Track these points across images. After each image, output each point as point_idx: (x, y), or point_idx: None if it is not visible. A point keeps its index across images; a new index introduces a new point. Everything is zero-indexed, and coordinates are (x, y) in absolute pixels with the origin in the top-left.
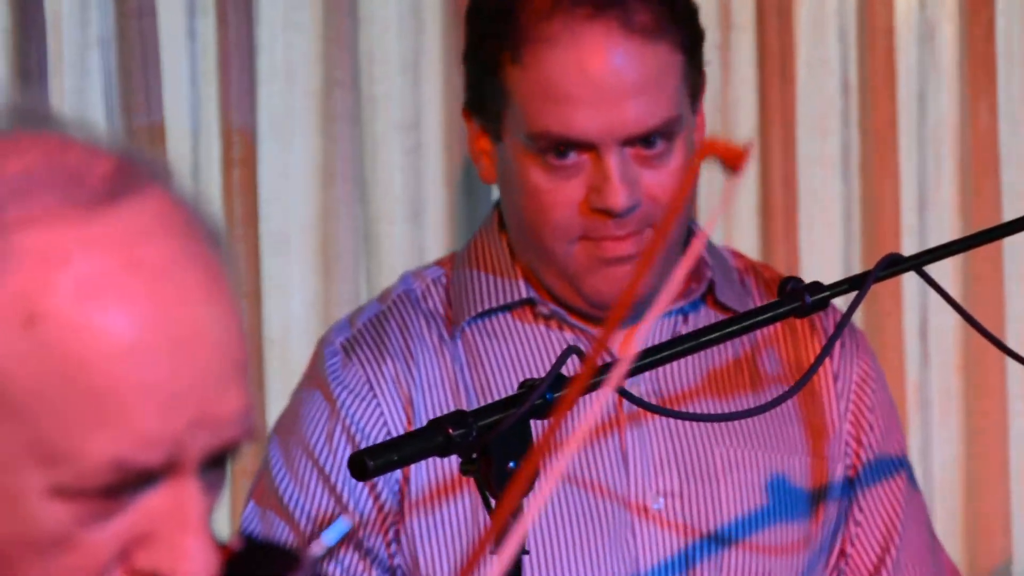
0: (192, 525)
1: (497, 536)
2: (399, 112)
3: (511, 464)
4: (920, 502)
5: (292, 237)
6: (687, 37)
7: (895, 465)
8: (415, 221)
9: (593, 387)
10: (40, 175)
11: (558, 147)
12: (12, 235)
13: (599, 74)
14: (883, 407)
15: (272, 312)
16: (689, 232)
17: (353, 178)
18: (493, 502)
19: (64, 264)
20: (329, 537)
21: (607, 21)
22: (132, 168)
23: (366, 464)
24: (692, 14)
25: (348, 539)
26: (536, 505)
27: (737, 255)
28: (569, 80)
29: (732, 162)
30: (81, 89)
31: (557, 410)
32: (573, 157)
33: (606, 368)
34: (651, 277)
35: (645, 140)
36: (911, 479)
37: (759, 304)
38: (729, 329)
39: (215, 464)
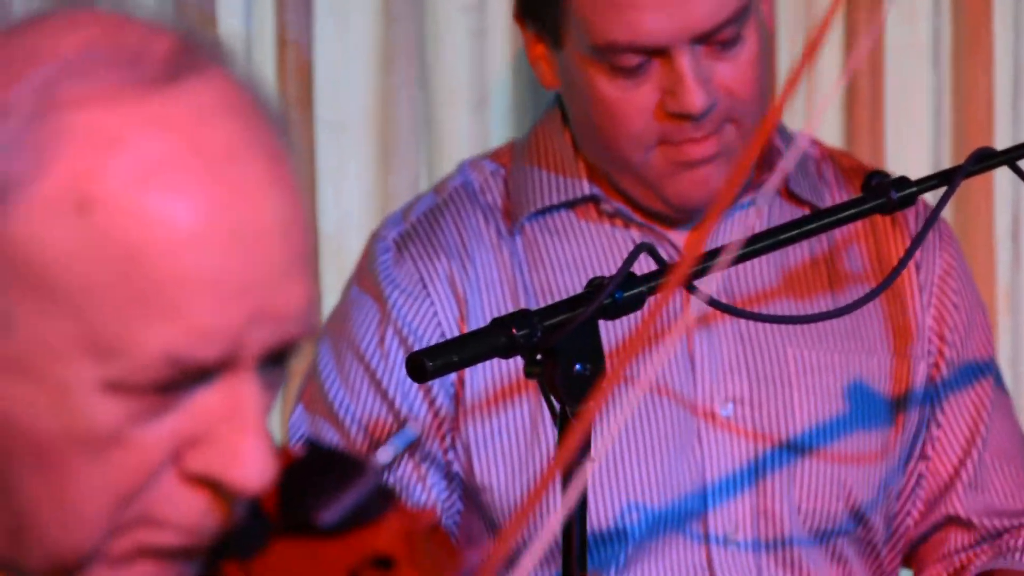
0: (249, 425)
1: (570, 447)
2: None
3: (578, 367)
4: (1008, 405)
5: (349, 123)
6: None
7: (981, 365)
8: (479, 108)
9: (666, 286)
10: (96, 53)
11: (627, 55)
12: (65, 115)
13: None
14: (968, 304)
15: (327, 203)
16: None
17: (414, 61)
18: (557, 406)
19: (120, 146)
20: (395, 445)
21: None
22: (193, 48)
23: (425, 365)
24: None
25: (412, 448)
26: (613, 417)
27: (814, 142)
28: None
29: None
30: None
31: (646, 316)
32: (643, 62)
33: (677, 268)
34: (742, 178)
35: (719, 30)
36: (999, 381)
37: (835, 195)
38: (808, 227)
39: (275, 362)
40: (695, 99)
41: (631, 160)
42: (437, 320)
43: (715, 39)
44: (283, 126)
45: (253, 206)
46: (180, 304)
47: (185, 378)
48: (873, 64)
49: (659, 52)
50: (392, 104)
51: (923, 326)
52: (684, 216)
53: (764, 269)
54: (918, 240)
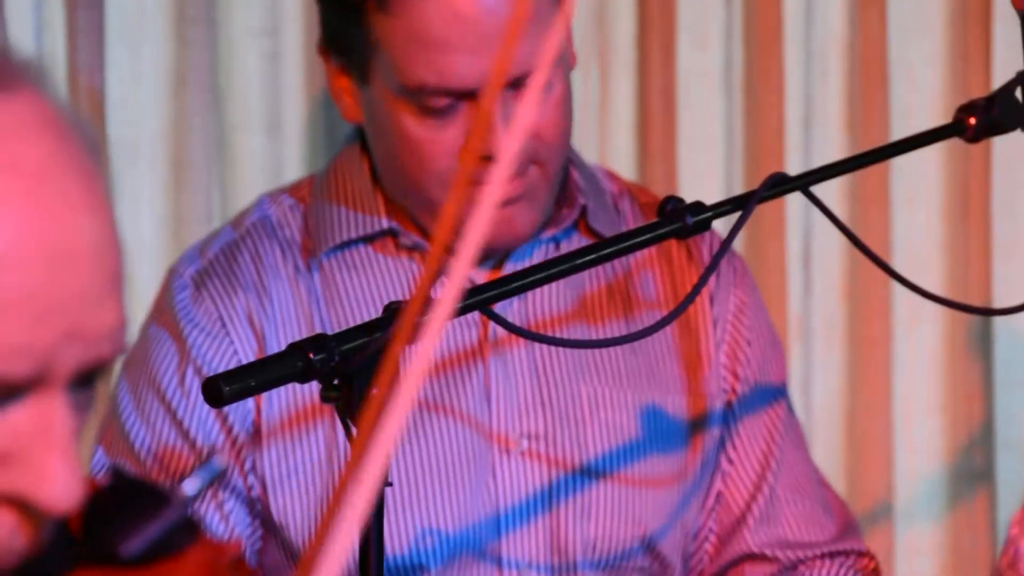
0: (58, 444)
1: (357, 466)
2: (256, 15)
3: (375, 390)
4: (799, 435)
5: (142, 147)
6: None
7: (772, 397)
8: (272, 132)
9: (462, 310)
10: None
11: (436, 96)
12: None
13: (474, 17)
14: (761, 337)
15: (120, 228)
16: (568, 161)
17: (207, 85)
18: (355, 431)
19: None
20: (201, 477)
21: None
22: (6, 66)
23: (221, 389)
24: None
25: (218, 480)
26: (395, 433)
27: (612, 176)
28: (443, 27)
29: None
30: None
31: (423, 334)
32: (451, 103)
33: (474, 291)
34: (537, 216)
35: (526, 78)
36: (789, 410)
37: (631, 223)
38: (604, 252)
39: (85, 383)
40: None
41: (434, 198)
42: (237, 359)
43: (524, 84)
44: (95, 147)
45: (67, 225)
46: None
47: None
48: (665, 89)
49: (468, 95)
50: (185, 128)
51: (716, 362)
52: (486, 254)
53: (560, 296)
54: (709, 270)
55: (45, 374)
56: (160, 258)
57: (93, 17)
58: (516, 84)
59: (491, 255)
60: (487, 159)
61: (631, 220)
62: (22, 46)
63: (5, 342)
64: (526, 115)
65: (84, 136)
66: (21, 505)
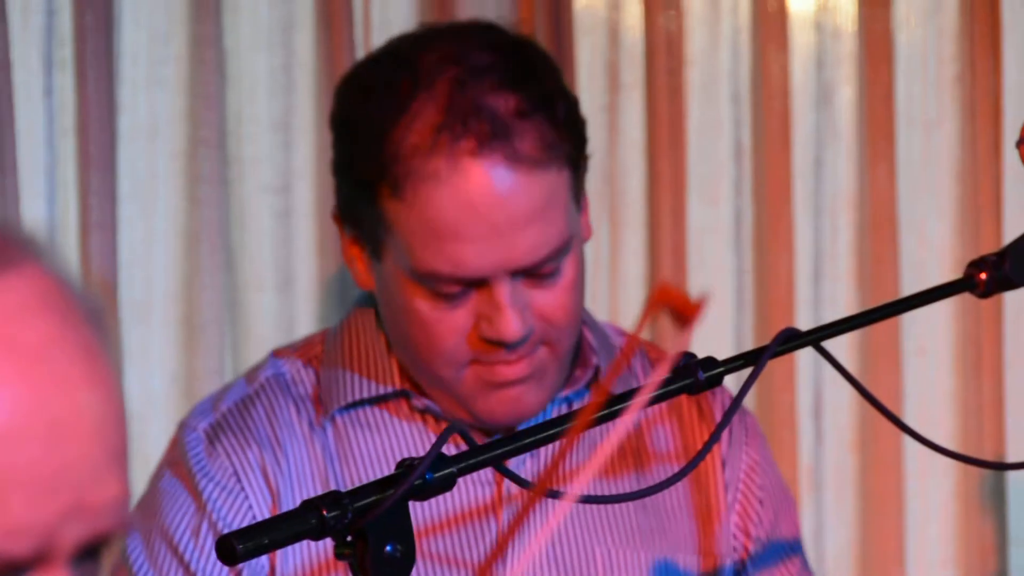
0: None
1: None
2: (268, 174)
3: (388, 548)
4: None
5: (154, 306)
6: (573, 147)
7: (785, 553)
8: (284, 290)
9: (476, 466)
10: None
11: (447, 283)
12: None
13: (487, 210)
14: (774, 494)
15: (132, 385)
16: (581, 323)
17: (219, 244)
18: None
19: None
20: None
21: (492, 155)
22: (8, 243)
23: (235, 548)
24: (577, 122)
25: None
26: None
27: (622, 333)
28: (457, 218)
29: (685, 314)
30: None
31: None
32: (462, 290)
33: (488, 448)
34: (545, 396)
35: (537, 268)
36: (804, 566)
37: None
38: (616, 407)
39: (88, 556)
40: (511, 328)
41: (443, 375)
42: (252, 514)
43: (534, 272)
44: (99, 319)
45: (68, 403)
46: None
47: None
48: (675, 246)
49: (480, 283)
50: (197, 287)
51: (728, 523)
52: (492, 431)
53: (573, 454)
54: (721, 427)
55: (48, 551)
56: (171, 416)
57: (106, 179)
58: (525, 273)
59: (496, 432)
60: (497, 343)
61: (641, 376)
62: (35, 205)
63: (7, 520)
64: None
65: (87, 309)
66: None
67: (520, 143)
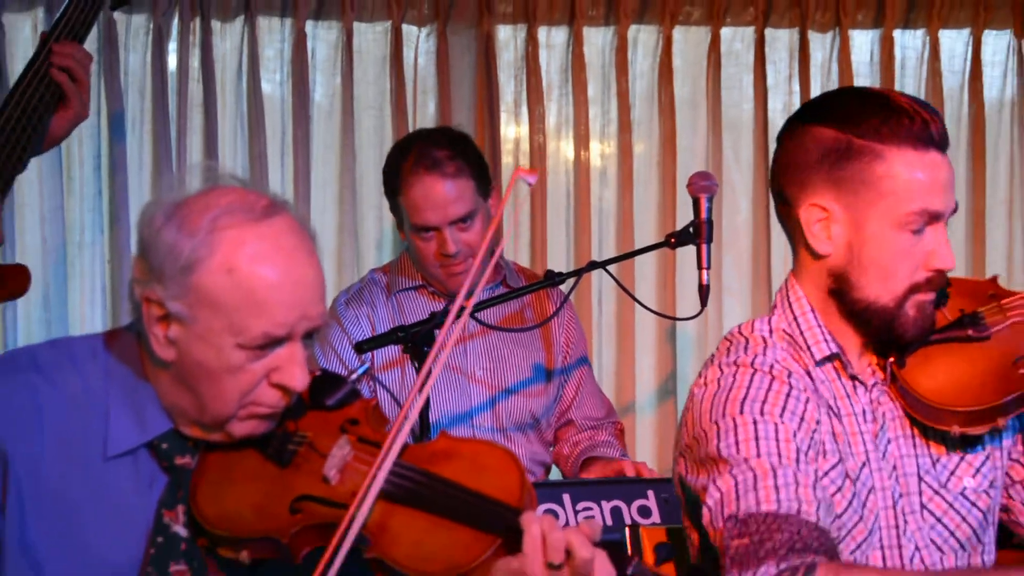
0: (298, 362)
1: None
2: None
3: (425, 348)
4: (592, 377)
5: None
6: (476, 168)
7: (582, 361)
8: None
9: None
10: (234, 205)
11: (423, 229)
12: (220, 232)
13: (436, 195)
14: (578, 334)
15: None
16: (491, 253)
17: None
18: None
19: (244, 245)
20: (357, 372)
21: (435, 172)
22: (274, 202)
23: (361, 346)
24: (478, 157)
25: (367, 375)
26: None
27: (516, 265)
28: (423, 200)
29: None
30: None
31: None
32: (430, 233)
33: (475, 308)
34: (468, 279)
35: (461, 220)
36: (589, 367)
37: (522, 283)
38: (516, 293)
39: (308, 337)
40: (450, 249)
41: (428, 271)
42: (363, 333)
43: (460, 223)
44: (313, 237)
45: (301, 270)
46: (270, 311)
47: (270, 343)
48: None
49: (436, 228)
50: None
51: (559, 342)
52: (449, 295)
53: (494, 313)
54: (562, 304)
55: (291, 333)
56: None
57: None
58: (455, 222)
59: (450, 295)
60: (447, 256)
61: (523, 281)
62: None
63: (276, 320)
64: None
65: (309, 235)
66: (283, 388)
67: (447, 167)
